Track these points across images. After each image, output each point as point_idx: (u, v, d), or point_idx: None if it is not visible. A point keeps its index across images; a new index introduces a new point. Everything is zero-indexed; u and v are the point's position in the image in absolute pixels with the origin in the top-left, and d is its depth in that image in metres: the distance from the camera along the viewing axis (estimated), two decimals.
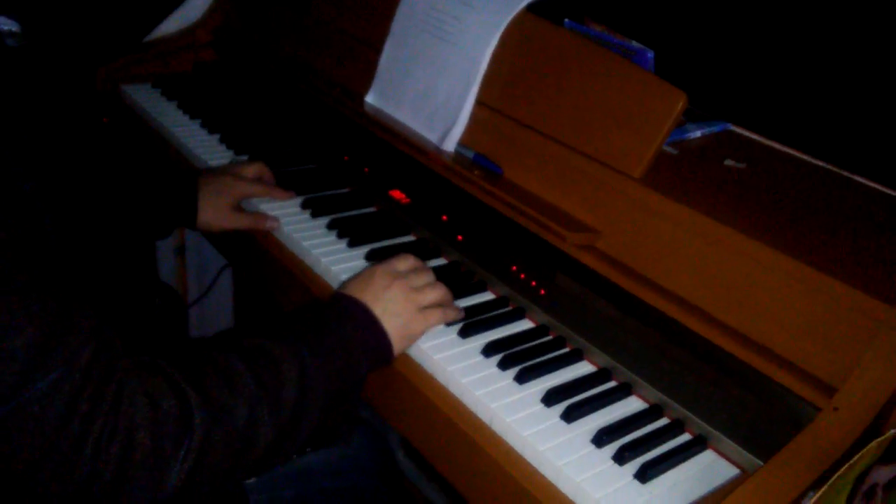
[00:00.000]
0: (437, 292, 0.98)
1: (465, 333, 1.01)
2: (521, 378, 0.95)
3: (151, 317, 1.64)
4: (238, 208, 1.25)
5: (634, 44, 1.12)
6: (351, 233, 1.20)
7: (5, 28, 1.01)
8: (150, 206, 1.22)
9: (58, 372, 0.65)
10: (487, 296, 1.12)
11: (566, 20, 1.18)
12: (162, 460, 0.69)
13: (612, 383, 0.97)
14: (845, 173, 1.19)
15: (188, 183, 1.23)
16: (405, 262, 1.00)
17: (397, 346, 0.93)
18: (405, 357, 0.98)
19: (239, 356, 0.79)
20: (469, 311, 1.07)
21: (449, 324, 1.02)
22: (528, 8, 1.15)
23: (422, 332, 0.95)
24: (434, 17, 1.24)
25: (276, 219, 1.23)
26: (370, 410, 1.06)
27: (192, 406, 0.72)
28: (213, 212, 1.22)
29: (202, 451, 0.72)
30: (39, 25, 1.08)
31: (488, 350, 0.99)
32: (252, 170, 1.30)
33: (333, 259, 1.15)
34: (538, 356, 0.99)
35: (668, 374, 0.94)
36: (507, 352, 0.98)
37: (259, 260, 1.24)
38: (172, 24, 1.75)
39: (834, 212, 1.08)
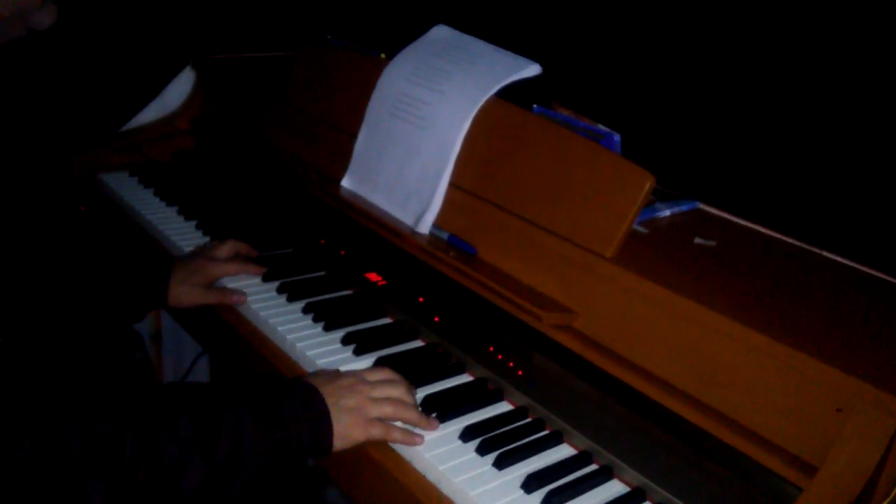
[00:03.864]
0: (391, 408, 0.97)
1: (442, 418, 0.99)
2: (501, 463, 0.93)
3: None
4: (210, 287, 1.26)
5: (601, 127, 1.15)
6: (326, 316, 1.19)
7: None
8: (122, 287, 1.24)
9: None
10: (465, 378, 1.11)
11: (535, 105, 1.21)
12: (86, 478, 0.75)
13: (593, 466, 0.96)
14: (815, 249, 1.21)
15: (162, 265, 1.26)
16: (377, 374, 1.02)
17: (336, 442, 0.94)
18: (380, 442, 0.97)
19: (183, 403, 0.85)
20: (446, 394, 1.05)
21: (429, 408, 1.00)
22: (498, 94, 1.19)
23: (360, 440, 0.95)
24: (407, 104, 1.27)
25: (242, 293, 1.24)
26: (342, 497, 1.03)
27: (126, 435, 0.78)
28: (183, 289, 1.25)
29: (127, 480, 0.77)
30: (16, 114, 1.09)
31: (466, 435, 0.97)
32: (225, 249, 1.32)
33: (308, 343, 1.13)
34: (517, 440, 0.97)
35: (649, 455, 0.92)
36: (486, 436, 0.97)
37: (234, 345, 1.23)
38: (150, 114, 1.78)
39: (805, 288, 1.09)
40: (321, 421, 0.93)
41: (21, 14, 0.89)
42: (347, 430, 0.94)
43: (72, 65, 2.25)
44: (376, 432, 0.95)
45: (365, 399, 0.96)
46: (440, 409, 1.00)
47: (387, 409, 0.96)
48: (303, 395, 0.94)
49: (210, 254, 1.30)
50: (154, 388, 0.99)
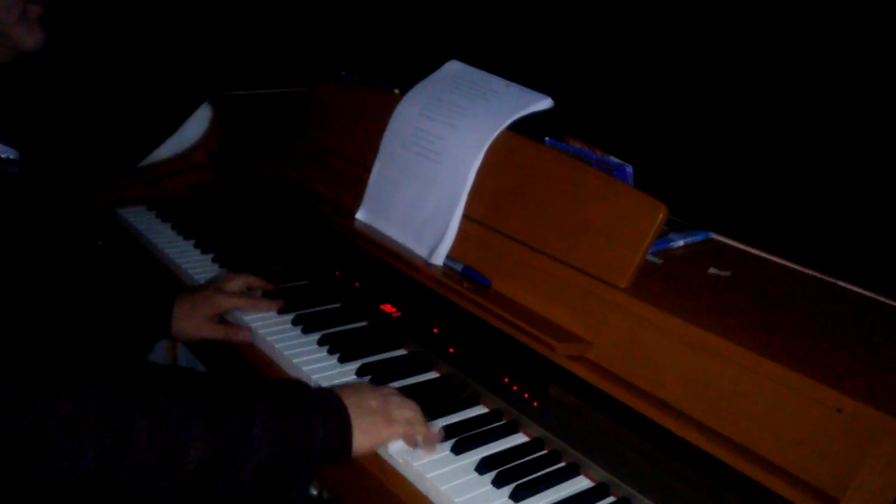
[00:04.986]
0: (411, 412, 1.00)
1: (457, 450, 0.99)
2: (517, 496, 0.92)
3: None
4: (217, 320, 1.26)
5: (613, 159, 1.16)
6: (342, 348, 1.19)
7: (3, 156, 1.04)
8: (124, 316, 1.23)
9: None
10: (480, 409, 1.11)
11: (547, 138, 1.22)
12: (82, 427, 0.73)
13: (611, 499, 0.95)
14: (829, 279, 1.21)
15: (165, 295, 1.26)
16: (392, 390, 1.04)
17: (359, 439, 0.94)
18: (396, 475, 0.97)
19: (193, 376, 0.84)
20: (462, 426, 1.05)
21: (444, 439, 1.01)
22: (511, 127, 1.20)
23: (386, 438, 0.96)
24: (420, 138, 1.28)
25: (249, 329, 1.24)
26: None
27: (125, 388, 0.77)
28: (188, 321, 1.24)
29: (124, 434, 0.75)
30: (37, 152, 1.12)
31: (482, 467, 0.97)
32: (237, 283, 1.32)
33: (324, 376, 1.14)
34: (533, 472, 0.97)
35: (667, 489, 0.92)
36: (502, 468, 0.96)
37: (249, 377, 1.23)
38: (168, 149, 1.80)
39: (820, 318, 1.09)
40: (338, 418, 0.93)
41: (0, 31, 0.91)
42: (372, 428, 0.95)
43: (91, 101, 2.30)
44: (401, 430, 0.97)
45: (388, 399, 0.98)
46: (456, 441, 1.00)
47: (408, 412, 0.99)
48: (320, 394, 0.95)
49: (220, 286, 1.30)
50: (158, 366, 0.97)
